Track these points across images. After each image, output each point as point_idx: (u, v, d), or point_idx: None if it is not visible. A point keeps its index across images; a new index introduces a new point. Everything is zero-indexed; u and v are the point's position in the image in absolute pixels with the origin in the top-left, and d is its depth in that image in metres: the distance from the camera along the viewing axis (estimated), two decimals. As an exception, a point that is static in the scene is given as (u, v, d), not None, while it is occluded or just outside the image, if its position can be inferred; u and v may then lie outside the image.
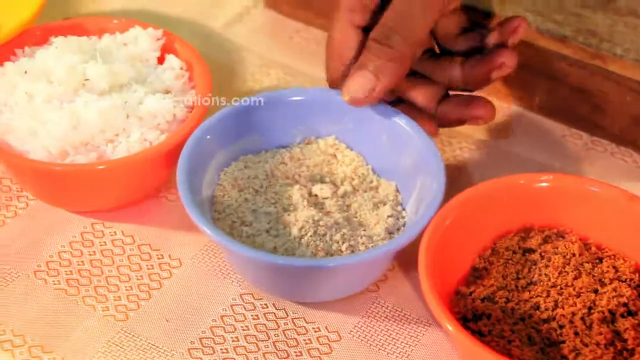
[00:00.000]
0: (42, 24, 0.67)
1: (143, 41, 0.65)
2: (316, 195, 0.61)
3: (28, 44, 0.65)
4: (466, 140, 0.69)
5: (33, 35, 0.66)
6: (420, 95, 0.62)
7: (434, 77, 0.62)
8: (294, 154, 0.64)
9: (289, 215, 0.60)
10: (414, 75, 0.63)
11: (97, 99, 0.61)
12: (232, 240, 0.56)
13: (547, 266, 0.56)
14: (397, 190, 0.62)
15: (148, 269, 0.61)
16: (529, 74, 0.69)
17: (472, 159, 0.68)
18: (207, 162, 0.61)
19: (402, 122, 0.62)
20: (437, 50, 0.64)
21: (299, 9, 0.75)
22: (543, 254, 0.57)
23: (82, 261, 0.61)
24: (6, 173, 0.65)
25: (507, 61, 0.60)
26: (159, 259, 0.61)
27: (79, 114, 0.60)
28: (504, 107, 0.71)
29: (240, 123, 0.63)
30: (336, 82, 0.62)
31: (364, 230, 0.60)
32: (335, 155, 0.64)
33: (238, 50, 0.75)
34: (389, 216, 0.60)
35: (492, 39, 0.61)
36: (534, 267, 0.56)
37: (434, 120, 0.63)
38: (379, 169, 0.64)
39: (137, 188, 0.63)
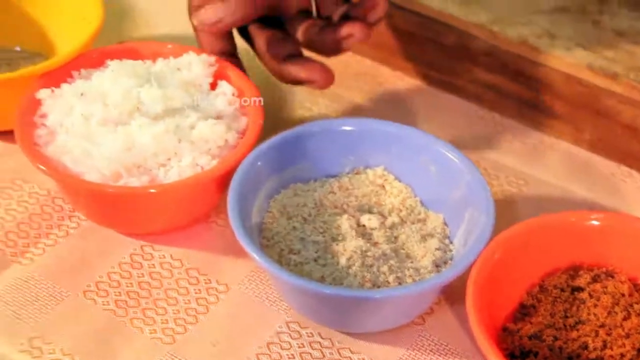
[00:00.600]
0: (98, 47, 0.68)
1: (196, 67, 0.66)
2: (364, 226, 0.62)
3: (84, 67, 0.66)
4: (514, 175, 0.69)
5: (89, 58, 0.67)
6: (266, 44, 0.66)
7: (294, 34, 0.67)
8: (342, 183, 0.64)
9: (337, 244, 0.60)
10: (277, 28, 0.66)
11: (150, 122, 0.62)
12: (280, 268, 0.56)
13: (595, 305, 0.56)
14: (445, 223, 0.62)
15: (195, 293, 0.61)
16: (579, 110, 0.69)
17: (520, 194, 0.68)
18: (258, 188, 0.62)
19: (451, 154, 0.63)
20: (314, 14, 0.68)
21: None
22: (592, 293, 0.56)
23: (130, 283, 0.61)
24: (59, 193, 0.66)
25: (356, 33, 0.64)
26: (206, 283, 0.62)
27: (133, 137, 0.61)
28: (554, 142, 0.71)
29: (291, 151, 0.63)
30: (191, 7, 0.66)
31: (411, 262, 0.60)
32: (383, 186, 0.64)
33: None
34: (436, 249, 0.61)
35: (340, 11, 0.66)
36: (582, 305, 0.56)
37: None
38: (427, 201, 0.64)
39: (187, 212, 0.63)
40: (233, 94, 0.65)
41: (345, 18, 0.66)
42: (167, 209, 0.62)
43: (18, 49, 0.74)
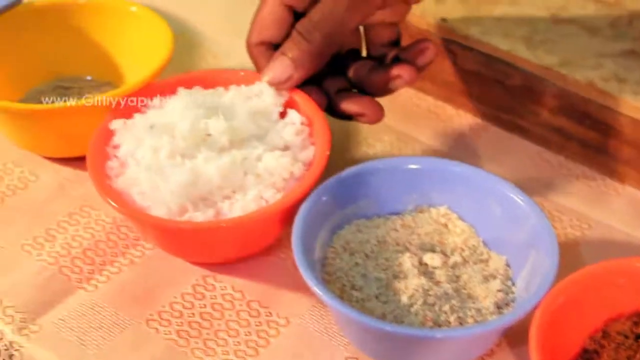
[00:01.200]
0: (169, 77, 0.69)
1: (267, 95, 0.66)
2: (426, 264, 0.62)
3: (158, 94, 0.67)
4: (578, 218, 0.69)
5: (163, 87, 0.67)
6: (326, 82, 0.67)
7: (347, 71, 0.68)
8: (406, 221, 0.64)
9: (399, 282, 0.60)
10: (330, 64, 0.67)
11: (216, 155, 0.62)
12: (342, 303, 0.57)
13: (660, 353, 0.55)
14: (508, 265, 0.62)
15: (256, 325, 0.61)
16: (645, 155, 0.68)
17: (584, 237, 0.67)
18: (322, 223, 0.62)
19: (517, 197, 0.62)
20: (364, 54, 0.69)
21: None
22: (656, 340, 0.56)
23: (192, 313, 0.62)
24: (125, 221, 0.67)
25: (404, 74, 0.66)
26: (267, 316, 0.62)
27: (199, 170, 0.62)
28: (619, 187, 0.70)
29: (356, 187, 0.64)
30: (249, 49, 0.67)
31: (473, 302, 0.60)
32: (446, 225, 0.64)
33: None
34: (498, 290, 0.60)
35: (391, 54, 0.68)
36: (646, 353, 0.55)
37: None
38: (490, 242, 0.64)
39: (250, 245, 0.64)
40: (302, 123, 0.65)
41: (395, 60, 0.67)
42: (231, 242, 0.63)
43: (89, 78, 0.75)
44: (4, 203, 0.68)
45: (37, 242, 0.66)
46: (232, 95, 0.66)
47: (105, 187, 0.62)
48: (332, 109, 0.67)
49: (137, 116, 0.65)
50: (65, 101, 0.72)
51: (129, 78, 0.74)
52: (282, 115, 0.66)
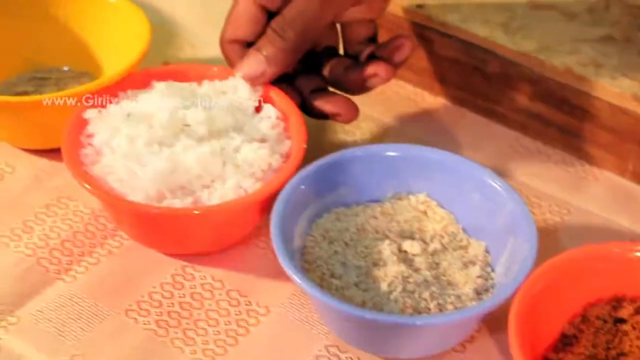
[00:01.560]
0: (144, 68, 0.69)
1: (242, 90, 0.66)
2: (406, 252, 0.62)
3: (131, 87, 0.67)
4: (557, 204, 0.69)
5: (136, 79, 0.67)
6: (300, 81, 0.68)
7: (322, 70, 0.68)
8: (385, 209, 0.64)
9: (378, 270, 0.60)
10: (302, 62, 0.67)
11: (195, 144, 0.62)
12: (322, 291, 0.57)
13: (638, 337, 0.55)
14: (487, 251, 0.62)
15: (236, 314, 0.61)
16: (623, 140, 0.69)
17: (562, 223, 0.68)
18: (300, 212, 0.62)
19: (495, 183, 0.62)
20: (341, 51, 0.69)
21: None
22: (635, 325, 0.56)
23: (172, 303, 0.62)
24: (103, 212, 0.66)
25: (380, 73, 0.66)
26: (246, 305, 0.62)
27: (178, 158, 0.62)
28: (597, 172, 0.71)
29: (334, 175, 0.64)
30: (223, 46, 0.67)
31: (453, 289, 0.60)
32: (425, 212, 0.64)
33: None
34: (478, 277, 0.60)
35: (367, 51, 0.67)
36: (625, 337, 0.56)
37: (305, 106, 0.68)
38: (469, 228, 0.64)
39: (229, 234, 0.64)
40: (277, 117, 0.66)
41: (372, 58, 0.67)
42: (210, 231, 0.63)
43: (66, 68, 0.75)
44: (-20, 195, 0.68)
45: (14, 234, 0.65)
46: (207, 89, 0.66)
47: (82, 172, 0.62)
48: (306, 108, 0.67)
49: (111, 106, 0.65)
50: (40, 92, 0.72)
51: (107, 68, 0.73)
52: (258, 110, 0.66)
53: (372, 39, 0.69)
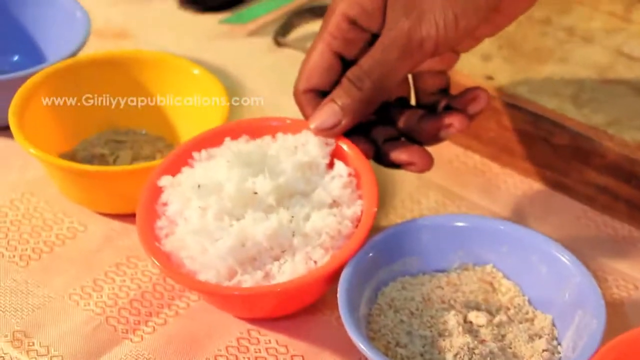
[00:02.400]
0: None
1: (313, 146, 0.65)
2: (471, 322, 0.62)
3: (204, 145, 0.67)
4: (623, 279, 0.68)
5: (209, 136, 0.67)
6: (375, 131, 0.67)
7: (395, 120, 0.68)
8: (451, 279, 0.64)
9: (444, 340, 0.60)
10: (379, 113, 0.67)
11: (264, 216, 0.62)
12: (387, 360, 0.57)
13: None
14: (554, 324, 0.62)
15: (300, 380, 0.62)
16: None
17: (629, 298, 0.67)
18: (367, 280, 0.62)
19: (562, 255, 0.62)
20: (413, 102, 0.69)
21: (461, 135, 0.77)
22: None
23: (237, 366, 0.62)
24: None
25: (456, 123, 0.66)
26: (311, 371, 0.62)
27: (247, 232, 0.62)
28: (666, 248, 0.70)
29: (402, 243, 0.64)
30: (296, 96, 0.66)
31: (518, 362, 0.59)
32: (491, 283, 0.64)
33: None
34: (544, 350, 0.60)
35: (443, 102, 0.68)
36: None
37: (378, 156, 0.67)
38: (536, 301, 0.63)
39: (297, 304, 0.64)
40: (349, 175, 0.65)
41: (446, 108, 0.67)
42: (278, 302, 0.63)
43: (143, 132, 0.76)
44: (53, 252, 0.69)
45: (84, 292, 0.66)
46: (278, 147, 0.66)
47: (154, 249, 0.62)
48: (380, 158, 0.67)
49: (184, 171, 0.66)
50: (116, 156, 0.73)
51: (183, 135, 0.74)
52: (329, 166, 0.66)
53: (444, 90, 0.69)
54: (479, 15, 0.62)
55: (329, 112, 0.64)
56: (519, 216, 0.72)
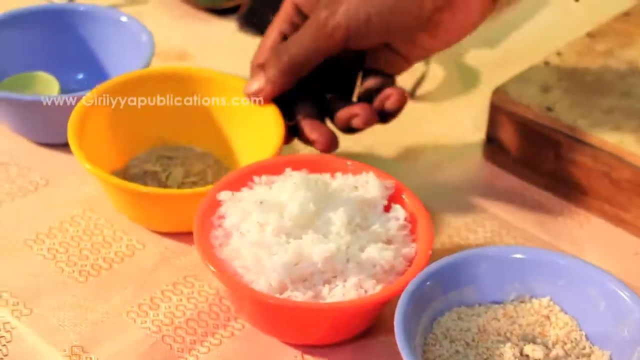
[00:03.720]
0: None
1: (373, 188, 0.67)
2: (527, 356, 0.61)
3: (266, 173, 0.68)
4: (682, 317, 0.67)
5: (271, 165, 0.68)
6: (299, 107, 0.73)
7: (330, 108, 0.74)
8: (507, 311, 0.64)
9: (499, 372, 0.60)
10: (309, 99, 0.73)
11: (322, 240, 0.63)
12: (442, 391, 0.57)
13: None
14: (611, 360, 0.62)
15: (354, 407, 0.62)
16: None
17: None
18: (424, 308, 0.62)
19: (621, 291, 0.62)
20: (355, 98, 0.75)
21: (519, 166, 0.77)
22: None
23: (291, 390, 0.62)
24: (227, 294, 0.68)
25: (361, 113, 0.71)
26: (364, 398, 0.62)
27: (304, 251, 0.62)
28: None
29: (459, 274, 0.64)
30: (251, 69, 0.74)
31: (575, 397, 0.59)
32: (548, 317, 0.64)
33: (452, 195, 0.76)
34: (601, 386, 0.60)
35: (356, 95, 0.74)
36: None
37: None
38: (593, 336, 0.63)
39: (347, 330, 0.64)
40: (405, 219, 0.66)
41: (368, 100, 0.72)
42: (327, 325, 0.63)
43: (197, 149, 0.77)
44: (112, 269, 0.70)
45: (141, 310, 0.67)
46: (340, 182, 0.67)
47: (210, 254, 0.63)
48: (296, 131, 0.73)
49: (245, 191, 0.67)
50: (168, 172, 0.74)
51: (230, 149, 0.75)
52: (387, 209, 0.67)
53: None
54: (400, 20, 0.69)
55: (256, 79, 0.72)
56: (576, 249, 0.72)
